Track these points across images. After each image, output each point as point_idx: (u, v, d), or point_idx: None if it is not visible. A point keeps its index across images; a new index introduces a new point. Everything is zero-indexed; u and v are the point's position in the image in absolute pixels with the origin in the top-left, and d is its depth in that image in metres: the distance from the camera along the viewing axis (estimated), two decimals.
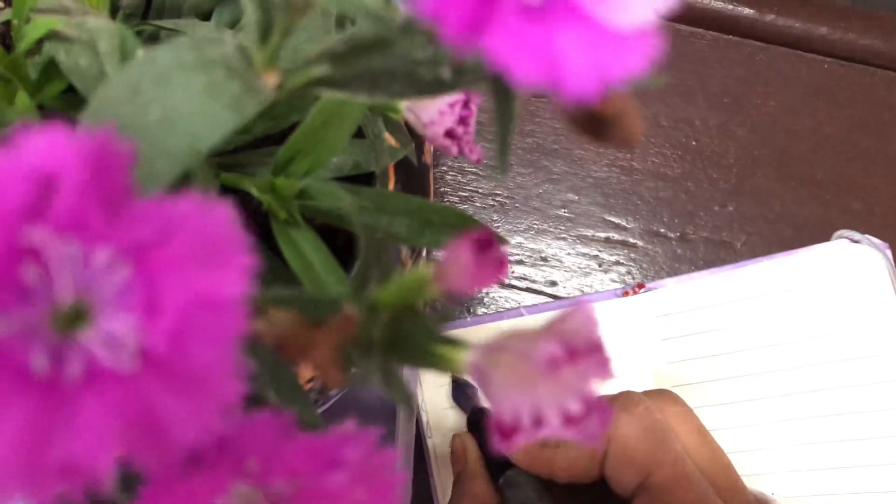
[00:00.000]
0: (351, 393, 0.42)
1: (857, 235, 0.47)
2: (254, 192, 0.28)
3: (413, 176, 0.37)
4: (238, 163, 0.32)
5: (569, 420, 0.15)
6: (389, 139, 0.34)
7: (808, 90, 0.53)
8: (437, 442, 0.48)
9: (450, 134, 0.25)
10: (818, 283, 0.46)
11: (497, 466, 0.39)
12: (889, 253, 0.46)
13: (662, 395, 0.38)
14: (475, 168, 0.52)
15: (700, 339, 0.47)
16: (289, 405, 0.21)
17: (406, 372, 0.46)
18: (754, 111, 0.53)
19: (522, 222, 0.52)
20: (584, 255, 0.51)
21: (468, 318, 0.50)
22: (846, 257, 0.46)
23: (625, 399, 0.36)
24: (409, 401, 0.20)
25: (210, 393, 0.12)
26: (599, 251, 0.51)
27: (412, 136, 0.35)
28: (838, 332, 0.46)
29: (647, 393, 0.37)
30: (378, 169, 0.30)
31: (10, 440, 0.11)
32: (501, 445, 0.15)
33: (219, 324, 0.12)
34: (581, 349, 0.16)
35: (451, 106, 0.25)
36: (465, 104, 0.25)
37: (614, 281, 0.51)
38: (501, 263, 0.15)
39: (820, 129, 0.52)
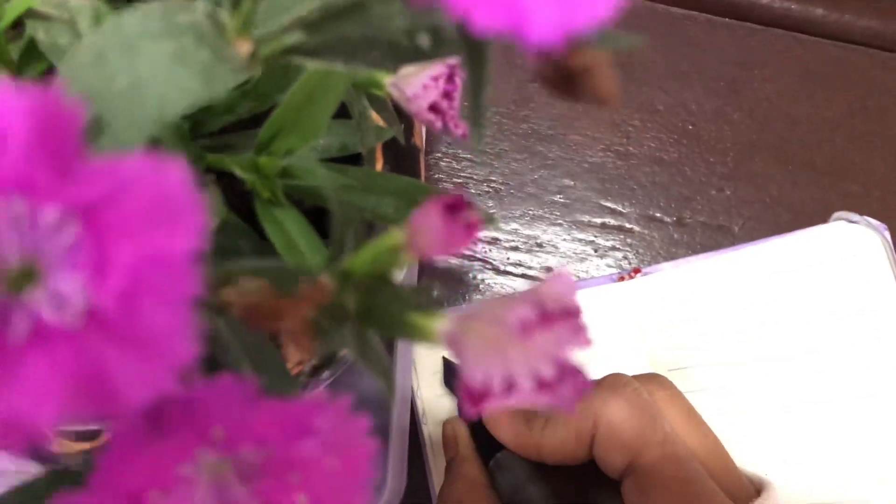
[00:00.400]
0: (343, 379, 0.42)
1: (855, 217, 0.46)
2: (237, 171, 0.28)
3: (402, 158, 0.37)
4: (225, 144, 0.31)
5: (542, 385, 0.15)
6: (377, 119, 0.34)
7: (806, 73, 0.52)
8: (432, 430, 0.48)
9: (434, 108, 0.25)
10: (816, 264, 0.46)
11: (488, 451, 0.39)
12: (887, 234, 0.45)
13: (651, 379, 0.37)
14: (469, 154, 0.52)
15: (696, 324, 0.47)
16: (271, 384, 0.21)
17: (400, 360, 0.45)
18: (751, 94, 0.52)
19: (518, 208, 0.51)
20: (579, 240, 0.51)
21: (463, 306, 0.50)
22: (844, 238, 0.45)
23: (613, 381, 0.36)
24: (387, 373, 0.19)
25: (161, 353, 0.12)
26: (595, 237, 0.51)
27: (401, 117, 0.35)
28: (836, 314, 0.45)
29: (636, 377, 0.37)
30: (364, 148, 0.30)
31: None
32: (471, 410, 0.15)
33: (170, 283, 0.12)
34: (555, 314, 0.15)
35: (435, 79, 0.25)
36: (450, 78, 0.25)
37: (610, 266, 0.50)
38: (472, 226, 0.15)
39: (818, 112, 0.52)
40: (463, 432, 0.42)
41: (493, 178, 0.51)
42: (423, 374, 0.48)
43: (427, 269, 0.50)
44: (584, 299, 0.47)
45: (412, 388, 0.48)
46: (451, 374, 0.47)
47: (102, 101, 0.17)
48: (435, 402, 0.48)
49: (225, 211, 0.28)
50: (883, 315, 0.44)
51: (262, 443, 0.15)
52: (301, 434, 0.16)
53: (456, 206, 0.15)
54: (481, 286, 0.50)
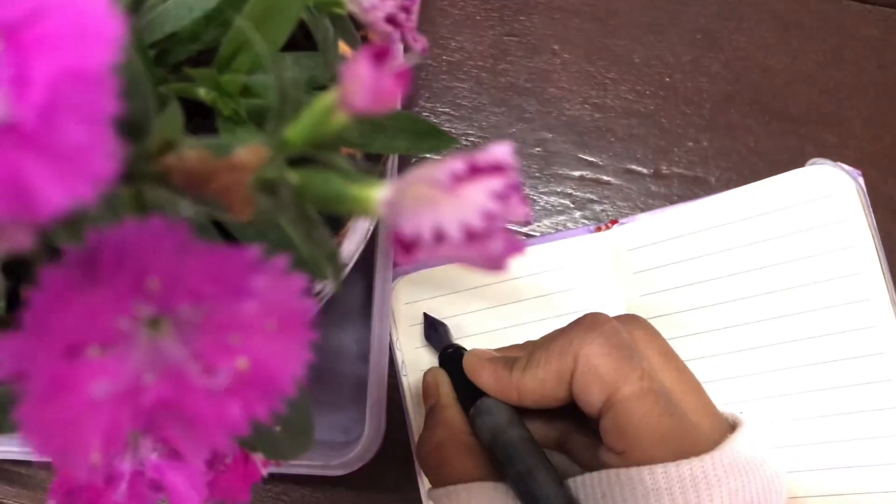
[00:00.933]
0: (323, 339, 0.42)
1: (829, 163, 0.47)
2: (201, 94, 0.28)
3: None
4: (188, 76, 0.32)
5: (471, 236, 0.15)
6: (344, 50, 0.34)
7: (781, 25, 0.52)
8: (411, 381, 0.48)
9: (391, 20, 0.25)
10: (790, 207, 0.46)
11: (468, 398, 0.39)
12: (861, 180, 0.46)
13: (630, 319, 0.38)
14: (448, 109, 0.52)
15: (673, 270, 0.47)
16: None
17: (378, 310, 0.46)
18: (727, 46, 0.52)
19: None
20: (557, 193, 0.51)
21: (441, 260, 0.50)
22: (817, 181, 0.46)
23: (591, 319, 0.36)
24: (332, 256, 0.20)
25: (79, 165, 0.12)
26: (573, 189, 0.51)
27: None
28: (811, 256, 0.45)
29: (615, 317, 0.37)
30: (328, 75, 0.30)
31: None
32: (403, 258, 0.15)
33: (88, 100, 0.12)
34: (485, 167, 0.16)
35: None
36: None
37: (588, 219, 0.51)
38: (403, 75, 0.15)
39: (793, 63, 0.52)
40: (444, 380, 0.42)
41: (472, 132, 0.52)
42: (402, 325, 0.48)
43: None
44: (562, 250, 0.47)
45: (391, 339, 0.48)
46: (431, 329, 0.47)
47: None
48: (414, 353, 0.48)
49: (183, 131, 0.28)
50: (857, 255, 0.44)
51: (199, 299, 0.16)
52: (239, 293, 0.16)
53: (383, 55, 0.15)
54: None
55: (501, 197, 0.15)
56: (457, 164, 0.15)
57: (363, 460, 0.44)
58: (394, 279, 0.48)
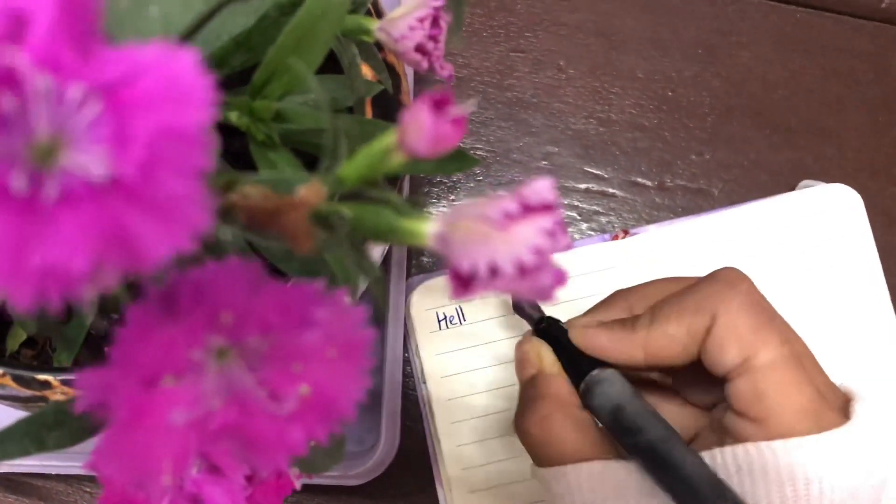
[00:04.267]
0: None
1: (823, 184, 0.48)
2: (233, 118, 0.29)
3: (391, 116, 0.38)
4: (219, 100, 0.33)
5: (523, 271, 0.16)
6: (367, 72, 0.35)
7: (781, 39, 0.54)
8: (431, 388, 0.48)
9: (420, 49, 0.26)
10: (799, 223, 0.47)
11: (575, 372, 0.36)
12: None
13: None
14: None
15: None
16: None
17: (392, 319, 0.46)
18: (728, 61, 0.54)
19: (504, 175, 0.53)
20: (564, 205, 0.52)
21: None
22: (820, 200, 0.47)
23: (729, 274, 0.34)
24: (379, 281, 0.21)
25: (177, 217, 0.13)
26: (580, 202, 0.52)
27: (391, 75, 0.36)
28: (814, 270, 0.47)
29: None
30: (353, 97, 0.31)
31: None
32: (458, 293, 0.16)
33: (184, 155, 0.13)
34: (535, 206, 0.17)
35: (421, 21, 0.26)
36: (435, 21, 0.26)
37: (594, 230, 0.52)
38: (460, 122, 0.16)
39: (793, 77, 0.53)
40: (546, 351, 0.37)
41: (479, 146, 0.53)
42: (422, 332, 0.48)
43: None
44: (580, 258, 0.48)
45: (411, 347, 0.48)
46: (521, 301, 0.43)
47: (108, 17, 0.18)
48: (434, 360, 0.48)
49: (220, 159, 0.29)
50: (860, 270, 0.46)
51: (266, 330, 0.17)
52: (303, 324, 0.17)
53: (443, 102, 0.16)
54: None
55: (550, 233, 0.17)
56: (509, 203, 0.17)
57: (379, 470, 0.45)
58: (409, 290, 0.48)
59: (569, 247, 0.17)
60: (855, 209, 0.47)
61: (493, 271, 0.16)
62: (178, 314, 0.16)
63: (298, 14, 0.26)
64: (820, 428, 0.29)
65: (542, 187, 0.17)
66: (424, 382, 0.48)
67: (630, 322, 0.34)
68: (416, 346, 0.48)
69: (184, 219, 0.13)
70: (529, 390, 0.36)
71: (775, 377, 0.30)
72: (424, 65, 0.26)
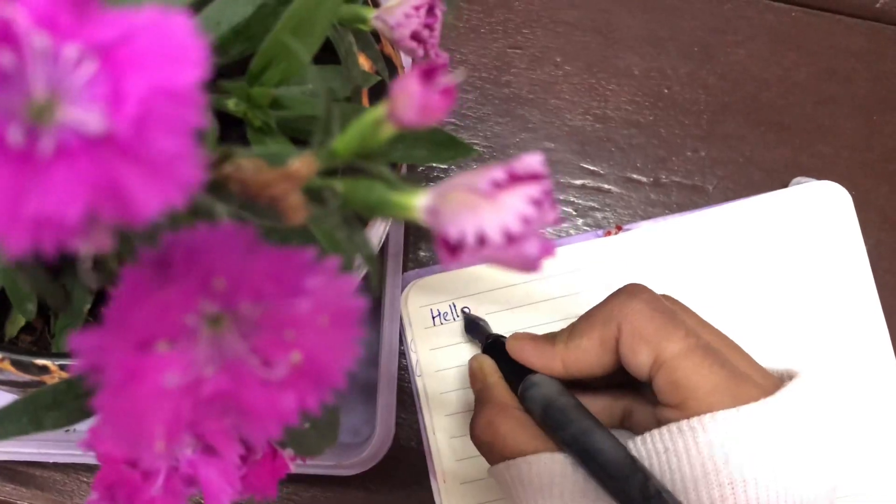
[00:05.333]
0: None
1: (814, 181, 0.48)
2: (231, 106, 0.30)
3: None
4: (216, 88, 0.33)
5: (510, 239, 0.17)
6: (364, 63, 0.35)
7: (776, 38, 0.54)
8: (426, 382, 0.49)
9: (416, 36, 0.27)
10: (790, 221, 0.48)
11: (516, 380, 0.40)
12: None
13: (663, 297, 0.38)
14: (453, 119, 0.53)
15: (679, 277, 0.48)
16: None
17: (388, 312, 0.47)
18: (723, 59, 0.54)
19: None
20: (560, 201, 0.52)
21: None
22: (810, 197, 0.47)
23: (630, 288, 0.37)
24: (371, 258, 0.21)
25: (169, 173, 0.13)
26: (575, 198, 0.53)
27: (388, 67, 0.36)
28: (807, 267, 0.47)
29: None
30: (350, 85, 0.31)
31: None
32: (447, 259, 0.16)
33: (178, 113, 0.13)
34: (523, 175, 0.17)
35: (417, 9, 0.26)
36: (430, 10, 0.27)
37: (589, 226, 0.52)
38: (449, 92, 0.16)
39: (787, 75, 0.54)
40: (489, 363, 0.42)
41: (476, 142, 0.53)
42: (417, 328, 0.49)
43: (414, 232, 0.52)
44: (572, 254, 0.49)
45: (406, 341, 0.49)
46: (472, 324, 0.48)
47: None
48: (429, 354, 0.49)
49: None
50: (849, 265, 0.46)
51: (259, 297, 0.17)
52: (295, 292, 0.17)
53: (432, 73, 0.16)
54: None
55: (537, 203, 0.17)
56: (497, 172, 0.17)
57: (374, 461, 0.46)
58: (406, 284, 0.49)
59: (557, 220, 0.18)
60: (844, 206, 0.47)
61: (481, 239, 0.17)
62: (172, 278, 0.16)
63: (296, 1, 0.27)
64: (736, 403, 0.31)
65: (531, 159, 0.18)
66: (419, 376, 0.48)
67: (552, 338, 0.38)
68: (411, 340, 0.49)
69: (175, 175, 0.13)
70: (478, 401, 0.41)
71: (685, 364, 0.33)
72: (420, 52, 0.27)
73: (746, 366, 0.34)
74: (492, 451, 0.38)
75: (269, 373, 0.18)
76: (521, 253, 0.17)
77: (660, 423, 0.34)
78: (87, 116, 0.13)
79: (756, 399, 0.31)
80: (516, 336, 0.40)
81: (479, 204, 0.17)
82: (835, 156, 0.53)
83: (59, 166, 0.13)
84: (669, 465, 0.32)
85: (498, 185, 0.17)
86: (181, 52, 0.13)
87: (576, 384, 0.38)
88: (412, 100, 0.16)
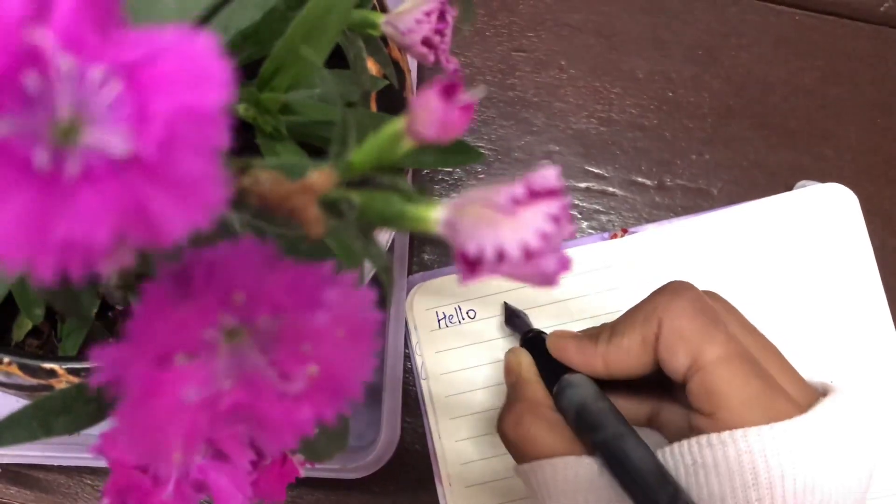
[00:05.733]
0: None
1: (818, 184, 0.49)
2: (241, 110, 0.30)
3: (394, 112, 0.38)
4: None
5: (528, 255, 0.17)
6: (372, 68, 0.35)
7: (780, 41, 0.54)
8: (432, 385, 0.49)
9: (427, 42, 0.27)
10: (798, 223, 0.48)
11: (552, 378, 0.39)
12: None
13: (708, 293, 0.37)
14: None
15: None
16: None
17: (394, 316, 0.47)
18: (728, 63, 0.54)
19: (506, 173, 0.53)
20: None
21: (454, 267, 0.52)
22: (817, 200, 0.47)
23: (675, 286, 0.36)
24: (386, 269, 0.21)
25: (195, 194, 0.13)
26: (580, 200, 0.53)
27: (395, 71, 0.37)
28: (814, 270, 0.47)
29: None
30: (359, 91, 0.31)
31: (15, 218, 0.12)
32: (466, 276, 0.17)
33: (203, 134, 0.13)
34: (542, 191, 0.17)
35: (428, 14, 0.26)
36: (441, 15, 0.27)
37: (594, 229, 0.52)
38: (469, 108, 0.16)
39: (791, 79, 0.54)
40: (526, 358, 0.42)
41: (481, 145, 0.53)
42: (423, 331, 0.49)
43: (419, 235, 0.52)
44: (577, 257, 0.49)
45: (412, 345, 0.49)
46: (512, 316, 0.47)
47: (125, 5, 0.18)
48: (435, 357, 0.49)
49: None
50: (856, 268, 0.46)
51: (277, 311, 0.17)
52: (312, 305, 0.17)
53: (452, 89, 0.16)
54: None
55: (556, 219, 0.17)
56: (516, 188, 0.17)
57: (379, 464, 0.46)
58: (411, 287, 0.49)
59: (573, 235, 0.18)
60: (850, 209, 0.48)
61: (500, 255, 0.17)
62: (192, 293, 0.16)
63: (306, 7, 0.27)
64: (768, 419, 0.31)
65: (549, 174, 0.18)
66: (425, 379, 0.48)
67: (594, 337, 0.37)
68: (417, 343, 0.49)
69: (201, 196, 0.13)
70: (510, 396, 0.40)
71: (722, 372, 0.32)
72: (431, 58, 0.27)
73: (784, 377, 0.34)
74: (518, 449, 0.37)
75: (286, 386, 0.18)
76: (538, 268, 0.17)
77: (691, 429, 0.33)
78: (112, 138, 0.13)
79: (789, 416, 0.31)
80: (558, 334, 0.40)
81: (499, 220, 0.17)
82: (839, 159, 0.53)
83: (86, 189, 0.13)
84: (697, 478, 0.32)
85: (517, 202, 0.17)
86: (206, 74, 0.14)
87: (606, 381, 0.38)
88: (432, 116, 0.16)
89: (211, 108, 0.13)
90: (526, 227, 0.17)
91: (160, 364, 0.16)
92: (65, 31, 0.13)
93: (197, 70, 0.14)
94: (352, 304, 0.18)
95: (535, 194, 0.17)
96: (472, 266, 0.17)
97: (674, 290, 0.35)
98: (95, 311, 0.35)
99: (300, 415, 0.18)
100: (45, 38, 0.12)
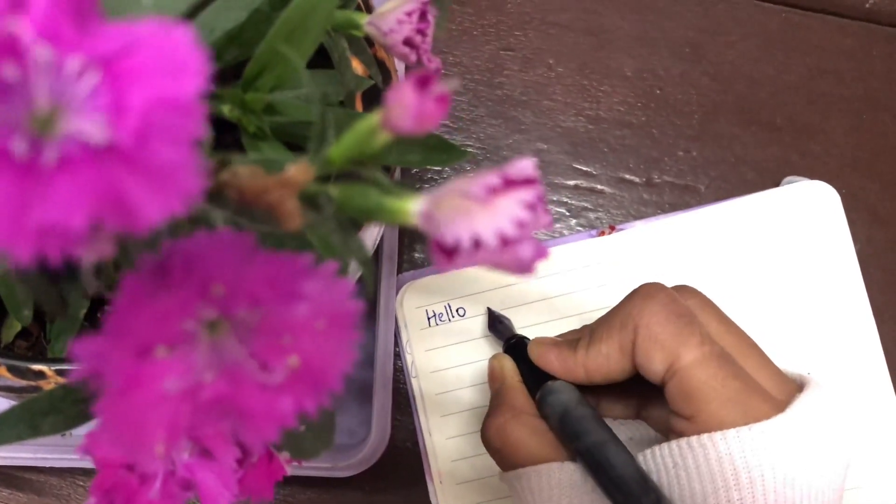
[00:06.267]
0: None
1: (806, 180, 0.49)
2: (226, 111, 0.30)
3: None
4: (212, 94, 0.33)
5: (505, 242, 0.17)
6: (357, 68, 0.35)
7: (766, 38, 0.55)
8: (422, 383, 0.49)
9: (408, 42, 0.27)
10: (781, 220, 0.48)
11: (534, 383, 0.40)
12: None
13: (683, 289, 0.38)
14: (446, 121, 0.54)
15: (672, 277, 0.49)
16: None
17: (384, 316, 0.47)
18: (715, 60, 0.54)
19: None
20: (553, 201, 0.53)
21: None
22: (801, 196, 0.48)
23: (647, 289, 0.36)
24: (366, 262, 0.21)
25: (171, 182, 0.13)
26: (568, 198, 0.53)
27: (381, 71, 0.37)
28: (797, 266, 0.47)
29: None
30: (344, 90, 0.31)
31: None
32: (443, 263, 0.17)
33: (179, 124, 0.14)
34: (517, 180, 0.17)
35: (409, 14, 0.26)
36: (422, 15, 0.27)
37: (583, 226, 0.52)
38: (444, 99, 0.17)
39: (778, 75, 0.54)
40: (509, 364, 0.42)
41: (470, 143, 0.53)
42: (413, 329, 0.49)
43: (409, 233, 0.52)
44: (565, 254, 0.49)
45: (402, 343, 0.49)
46: (495, 321, 0.48)
47: (103, 5, 0.18)
48: (425, 355, 0.49)
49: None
50: (837, 264, 0.47)
51: (257, 302, 0.17)
52: (292, 297, 0.18)
53: (426, 81, 0.16)
54: None
55: (531, 207, 0.17)
56: (491, 177, 0.17)
57: (370, 462, 0.46)
58: (401, 286, 0.49)
59: (549, 224, 0.18)
60: (832, 205, 0.48)
61: (476, 243, 0.17)
62: (172, 284, 0.16)
63: (289, 8, 0.27)
64: (746, 419, 0.31)
65: (524, 164, 0.18)
66: (415, 377, 0.49)
67: (574, 344, 0.38)
68: (407, 341, 0.49)
69: (177, 184, 0.13)
70: (493, 402, 0.40)
71: (698, 375, 0.32)
72: (412, 58, 0.27)
73: (762, 372, 0.34)
74: (503, 456, 0.37)
75: (267, 377, 0.18)
76: (515, 256, 0.17)
77: (671, 431, 0.34)
78: (89, 127, 0.13)
79: (767, 415, 0.31)
80: (539, 341, 0.40)
81: (474, 209, 0.17)
82: (826, 155, 0.53)
83: (63, 176, 0.13)
84: (679, 480, 0.32)
85: (493, 191, 0.17)
86: (182, 64, 0.14)
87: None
88: (407, 108, 0.17)
89: (187, 97, 0.14)
90: (501, 215, 0.17)
91: (140, 356, 0.17)
92: (42, 22, 0.13)
93: (172, 60, 0.14)
94: (331, 295, 0.18)
95: (509, 183, 0.17)
96: (448, 254, 0.17)
97: (645, 295, 0.36)
98: (84, 311, 0.35)
99: (281, 406, 0.18)
100: (23, 28, 0.13)
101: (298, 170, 0.18)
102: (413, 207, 0.19)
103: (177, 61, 0.14)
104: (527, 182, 0.17)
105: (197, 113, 0.14)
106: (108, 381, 0.16)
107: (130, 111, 0.13)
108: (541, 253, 0.18)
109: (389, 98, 0.17)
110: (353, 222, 0.23)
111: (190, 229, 0.18)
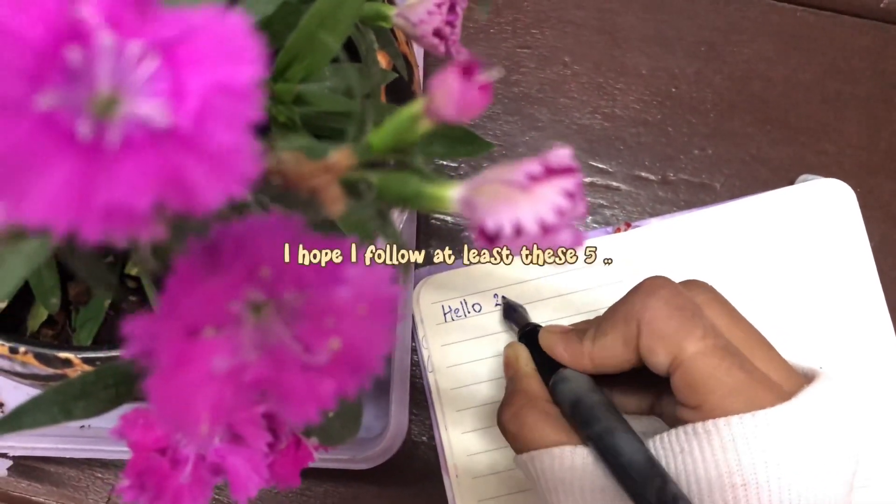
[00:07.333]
0: None
1: (821, 178, 0.49)
2: None
3: (403, 104, 0.39)
4: None
5: (545, 229, 0.17)
6: (381, 60, 0.36)
7: (781, 37, 0.55)
8: (438, 378, 0.50)
9: (438, 33, 0.27)
10: (796, 218, 0.48)
11: (548, 371, 0.40)
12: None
13: (691, 284, 0.38)
14: None
15: (685, 273, 0.49)
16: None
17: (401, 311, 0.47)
18: (730, 59, 0.55)
19: None
20: None
21: (460, 261, 0.52)
22: (817, 194, 0.48)
23: (650, 283, 0.37)
24: (404, 245, 0.22)
25: (229, 165, 0.14)
26: (584, 195, 0.53)
27: (406, 65, 0.37)
28: (812, 264, 0.48)
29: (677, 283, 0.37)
30: (369, 83, 0.32)
31: (60, 185, 0.13)
32: (484, 246, 0.17)
33: (236, 108, 0.14)
34: (557, 168, 0.18)
35: (439, 6, 0.27)
36: (452, 7, 0.27)
37: (598, 223, 0.53)
38: (487, 88, 0.17)
39: (793, 74, 0.54)
40: (523, 353, 0.43)
41: (487, 140, 0.54)
42: (430, 324, 0.50)
43: (424, 229, 0.53)
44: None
45: (418, 338, 0.50)
46: (510, 310, 0.48)
47: None
48: (441, 350, 0.50)
49: None
50: (853, 262, 0.47)
51: (301, 286, 0.18)
52: (335, 281, 0.18)
53: (471, 69, 0.17)
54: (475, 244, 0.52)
55: (571, 195, 0.17)
56: (532, 165, 0.17)
57: (387, 455, 0.46)
58: (417, 281, 0.49)
59: (585, 214, 0.18)
60: (848, 203, 0.48)
61: (518, 230, 0.17)
62: (221, 267, 0.16)
63: (319, 0, 0.27)
64: (751, 407, 0.32)
65: (563, 153, 0.18)
66: (431, 372, 0.49)
67: (582, 335, 0.39)
68: (423, 337, 0.49)
69: (234, 167, 0.14)
70: (508, 388, 0.42)
71: (702, 366, 0.33)
72: (441, 49, 0.27)
73: (769, 364, 0.34)
74: (517, 439, 0.38)
75: (310, 359, 0.18)
76: (554, 243, 0.17)
77: (678, 421, 0.34)
78: (149, 110, 0.14)
79: (772, 404, 0.32)
80: (548, 329, 0.41)
81: (516, 196, 0.17)
82: (840, 154, 0.53)
83: (126, 158, 0.13)
84: (685, 467, 0.33)
85: (534, 178, 0.17)
86: (238, 51, 0.14)
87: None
88: (451, 95, 0.17)
89: (243, 83, 0.14)
90: (542, 202, 0.17)
91: (190, 336, 0.17)
92: (105, 8, 0.14)
93: (229, 47, 0.14)
94: (371, 281, 0.18)
95: (550, 171, 0.17)
96: (490, 240, 0.17)
97: (648, 289, 0.36)
98: (115, 284, 0.35)
99: (323, 387, 0.18)
100: (88, 13, 0.13)
101: (342, 155, 0.18)
102: (452, 194, 0.19)
103: (234, 47, 0.14)
104: (566, 170, 0.18)
105: (253, 98, 0.14)
106: (159, 360, 0.17)
107: (189, 95, 0.14)
108: (578, 240, 0.18)
109: (433, 86, 0.17)
110: (386, 207, 0.23)
111: (232, 214, 0.18)
